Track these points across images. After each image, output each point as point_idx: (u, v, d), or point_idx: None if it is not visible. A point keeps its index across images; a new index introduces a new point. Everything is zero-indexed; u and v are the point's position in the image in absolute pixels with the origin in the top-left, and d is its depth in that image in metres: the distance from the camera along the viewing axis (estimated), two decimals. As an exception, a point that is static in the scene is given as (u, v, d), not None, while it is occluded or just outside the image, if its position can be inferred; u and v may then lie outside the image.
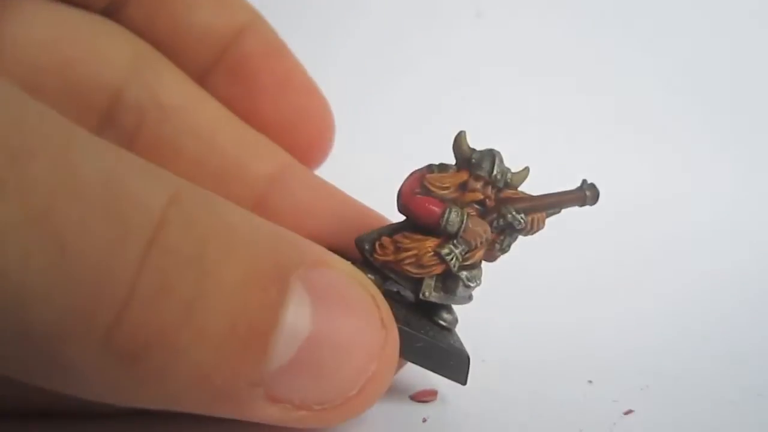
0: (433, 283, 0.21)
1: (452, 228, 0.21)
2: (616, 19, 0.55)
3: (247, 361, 0.16)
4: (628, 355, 0.28)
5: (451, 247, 0.21)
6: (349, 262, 0.18)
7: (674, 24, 0.55)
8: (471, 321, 0.32)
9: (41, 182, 0.13)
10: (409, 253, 0.21)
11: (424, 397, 0.24)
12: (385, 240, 0.21)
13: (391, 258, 0.21)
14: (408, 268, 0.21)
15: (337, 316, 0.17)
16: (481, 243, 0.21)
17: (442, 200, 0.21)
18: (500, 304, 0.34)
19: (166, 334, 0.15)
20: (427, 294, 0.21)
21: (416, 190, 0.21)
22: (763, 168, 0.53)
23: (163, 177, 0.16)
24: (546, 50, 0.52)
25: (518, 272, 0.36)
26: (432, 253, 0.21)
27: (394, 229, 0.22)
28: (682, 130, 0.54)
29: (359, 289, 0.18)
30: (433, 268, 0.21)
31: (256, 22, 0.26)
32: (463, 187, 0.21)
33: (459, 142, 0.22)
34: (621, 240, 0.44)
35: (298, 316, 0.16)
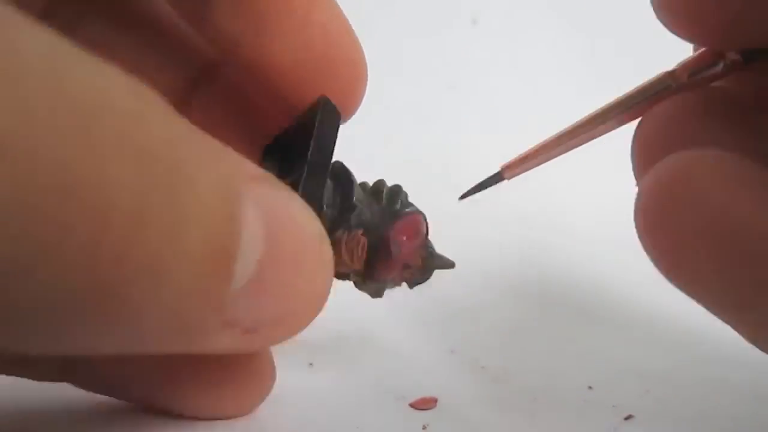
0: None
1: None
2: (612, 24, 0.56)
3: (217, 283, 0.15)
4: (628, 360, 0.28)
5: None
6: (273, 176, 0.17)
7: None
8: (471, 328, 0.32)
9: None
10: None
11: (424, 404, 0.24)
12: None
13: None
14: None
15: (286, 230, 0.16)
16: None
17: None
18: (499, 311, 0.34)
19: (152, 257, 0.13)
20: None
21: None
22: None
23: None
24: (542, 56, 0.52)
25: (518, 278, 0.36)
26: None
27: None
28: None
29: (298, 201, 0.17)
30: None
31: None
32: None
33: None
34: (621, 245, 0.44)
35: (254, 233, 0.15)
